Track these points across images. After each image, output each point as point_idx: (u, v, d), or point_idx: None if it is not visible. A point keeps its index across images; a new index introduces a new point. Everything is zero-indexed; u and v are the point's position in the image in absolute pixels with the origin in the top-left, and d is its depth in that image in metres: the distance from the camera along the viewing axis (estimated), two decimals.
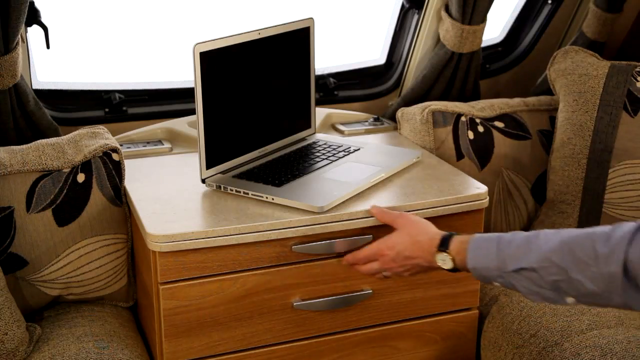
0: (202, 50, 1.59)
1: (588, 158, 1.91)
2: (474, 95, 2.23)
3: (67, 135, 1.73)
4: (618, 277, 1.17)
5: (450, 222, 1.63)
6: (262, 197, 1.60)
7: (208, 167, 1.67)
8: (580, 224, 1.90)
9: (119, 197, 1.69)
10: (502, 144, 2.00)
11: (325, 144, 1.87)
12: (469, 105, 2.03)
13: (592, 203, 1.89)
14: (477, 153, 1.97)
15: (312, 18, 1.83)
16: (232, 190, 1.63)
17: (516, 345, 1.68)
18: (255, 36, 1.70)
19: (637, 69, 1.92)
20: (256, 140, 1.78)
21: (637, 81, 1.91)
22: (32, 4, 1.78)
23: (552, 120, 2.07)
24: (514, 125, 2.04)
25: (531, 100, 2.12)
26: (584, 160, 1.91)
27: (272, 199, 1.59)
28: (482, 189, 1.69)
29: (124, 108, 2.03)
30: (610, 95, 1.91)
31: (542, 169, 2.04)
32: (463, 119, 1.98)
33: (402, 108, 2.08)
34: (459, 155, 1.96)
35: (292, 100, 1.87)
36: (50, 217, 1.63)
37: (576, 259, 1.21)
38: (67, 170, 1.65)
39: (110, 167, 1.68)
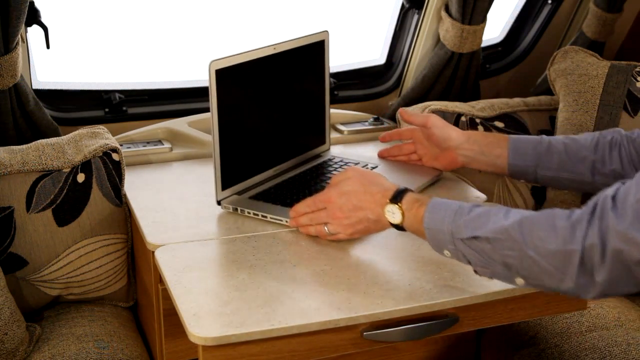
0: (217, 68, 1.52)
1: None
2: (474, 95, 2.23)
3: (67, 135, 1.73)
4: (576, 256, 1.12)
5: None
6: (281, 220, 1.53)
7: (224, 187, 1.60)
8: None
9: (119, 197, 1.69)
10: None
11: (341, 160, 1.81)
12: (469, 105, 2.03)
13: None
14: None
15: (327, 31, 1.78)
16: (249, 213, 1.57)
17: (516, 346, 1.68)
18: (271, 51, 1.64)
19: (637, 69, 1.92)
20: (271, 159, 1.72)
21: (637, 81, 1.91)
22: (32, 4, 1.78)
23: (552, 120, 2.07)
24: (514, 125, 2.04)
25: (531, 100, 2.12)
26: None
27: None
28: (482, 197, 1.69)
29: (124, 108, 2.02)
30: (610, 95, 1.91)
31: None
32: (463, 118, 1.98)
33: (402, 108, 2.07)
34: None
35: (307, 115, 1.81)
36: (50, 217, 1.63)
37: (534, 235, 1.16)
38: (67, 170, 1.65)
39: (110, 167, 1.68)
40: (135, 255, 1.74)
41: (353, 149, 1.97)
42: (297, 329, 1.23)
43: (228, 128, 1.57)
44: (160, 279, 1.47)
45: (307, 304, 1.28)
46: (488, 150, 1.62)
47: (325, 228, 1.45)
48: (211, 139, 1.92)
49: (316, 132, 1.84)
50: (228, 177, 1.60)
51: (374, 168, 1.77)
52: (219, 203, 1.59)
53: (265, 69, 1.64)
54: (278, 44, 1.65)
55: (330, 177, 1.68)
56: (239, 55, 1.57)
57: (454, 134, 1.66)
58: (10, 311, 1.51)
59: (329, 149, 1.88)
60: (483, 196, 1.70)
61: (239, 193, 1.63)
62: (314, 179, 1.71)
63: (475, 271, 1.26)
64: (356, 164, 1.78)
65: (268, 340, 1.23)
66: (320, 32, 1.77)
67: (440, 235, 1.27)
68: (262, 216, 1.55)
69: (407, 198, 1.35)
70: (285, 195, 1.62)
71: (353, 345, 1.30)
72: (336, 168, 1.77)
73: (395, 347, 1.70)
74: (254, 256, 1.42)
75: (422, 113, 1.85)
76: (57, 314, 1.69)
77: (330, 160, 1.81)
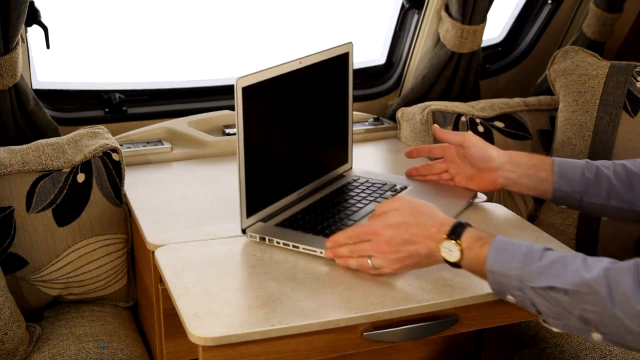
0: (245, 85, 1.39)
1: (588, 158, 1.90)
2: (474, 95, 2.23)
3: (67, 135, 1.73)
4: None
5: None
6: (315, 251, 1.40)
7: (248, 214, 1.46)
8: (580, 224, 1.90)
9: (119, 197, 1.69)
10: (502, 144, 2.00)
11: (367, 181, 1.68)
12: (469, 105, 2.04)
13: None
14: None
15: (351, 42, 1.67)
16: (279, 243, 1.43)
17: (516, 346, 1.68)
18: (297, 66, 1.53)
19: (637, 69, 1.92)
20: (295, 181, 1.59)
21: (637, 81, 1.91)
22: (32, 4, 1.78)
23: (552, 120, 2.07)
24: (514, 125, 2.04)
25: (531, 100, 2.12)
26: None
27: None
28: (481, 198, 1.69)
29: (124, 108, 2.03)
30: (610, 95, 1.91)
31: None
32: (463, 119, 1.98)
33: (402, 108, 2.08)
34: None
35: (330, 132, 1.69)
36: (50, 217, 1.63)
37: (619, 291, 1.07)
38: (67, 170, 1.65)
39: (110, 167, 1.68)
40: (135, 255, 1.74)
41: (358, 149, 1.93)
42: (297, 329, 1.23)
43: (253, 149, 1.44)
44: (160, 279, 1.47)
45: (307, 304, 1.27)
46: (532, 172, 1.52)
47: (369, 261, 1.33)
48: (211, 139, 1.94)
49: (339, 151, 1.73)
50: (252, 203, 1.47)
51: (403, 189, 1.65)
52: (243, 232, 1.47)
53: (290, 84, 1.53)
54: (303, 57, 1.55)
55: (357, 200, 1.60)
56: (265, 71, 1.45)
57: (495, 154, 1.55)
58: (10, 311, 1.51)
59: (351, 167, 1.76)
60: (483, 196, 1.69)
61: (263, 220, 1.50)
62: (340, 203, 1.58)
63: (544, 321, 1.19)
64: (383, 184, 1.67)
65: (268, 341, 1.22)
66: (345, 44, 1.66)
67: (505, 280, 1.19)
68: (294, 246, 1.42)
69: (467, 235, 1.24)
70: (314, 221, 1.49)
71: (353, 346, 1.29)
72: (363, 190, 1.65)
73: (396, 347, 1.70)
74: (254, 256, 1.42)
75: (458, 131, 1.69)
76: (57, 314, 1.69)
77: (354, 180, 1.70)
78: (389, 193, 1.62)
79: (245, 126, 1.41)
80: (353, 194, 1.63)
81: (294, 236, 1.44)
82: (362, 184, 1.68)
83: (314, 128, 1.63)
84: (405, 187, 1.66)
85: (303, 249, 1.41)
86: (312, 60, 1.57)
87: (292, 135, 1.57)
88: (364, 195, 1.62)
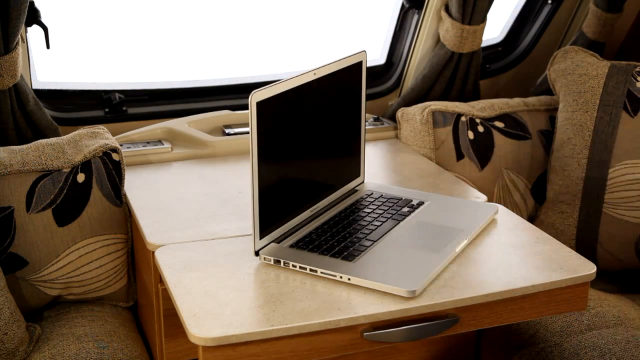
0: (259, 100, 1.33)
1: (588, 158, 1.91)
2: (474, 95, 2.23)
3: (67, 135, 1.73)
4: None
5: None
6: (334, 276, 1.33)
7: (261, 235, 1.40)
8: (580, 224, 1.90)
9: (119, 197, 1.69)
10: (502, 144, 2.01)
11: (381, 196, 1.62)
12: (469, 105, 2.04)
13: (592, 203, 1.89)
14: (477, 153, 1.97)
15: (364, 51, 1.63)
16: (295, 266, 1.36)
17: (516, 346, 1.69)
18: (311, 77, 1.47)
19: (637, 69, 1.92)
20: (308, 198, 1.52)
21: (637, 81, 1.91)
22: (32, 4, 1.78)
23: (552, 120, 2.07)
24: (514, 125, 2.04)
25: (531, 100, 2.12)
26: (584, 160, 1.91)
27: (349, 279, 1.32)
28: (482, 198, 1.69)
29: (124, 108, 2.03)
30: (610, 95, 1.91)
31: (542, 169, 2.04)
32: (463, 119, 1.98)
33: (402, 108, 2.08)
34: (459, 155, 1.96)
35: (343, 145, 1.63)
36: (50, 217, 1.63)
37: None
38: (67, 170, 1.65)
39: (110, 167, 1.68)
40: (135, 255, 1.74)
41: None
42: (297, 329, 1.23)
43: (267, 166, 1.38)
44: (160, 279, 1.47)
45: (307, 304, 1.27)
46: None
47: None
48: (211, 139, 1.94)
49: (351, 164, 1.67)
50: (265, 222, 1.40)
51: (420, 204, 1.60)
52: (257, 254, 1.40)
53: (303, 96, 1.47)
54: (318, 68, 1.49)
55: (373, 217, 1.53)
56: (279, 84, 1.39)
57: None
58: (10, 311, 1.51)
59: (363, 181, 1.70)
60: (483, 196, 1.70)
61: (276, 241, 1.43)
62: (356, 221, 1.52)
63: None
64: (399, 200, 1.61)
65: (268, 341, 1.23)
66: (359, 53, 1.61)
67: None
68: (312, 270, 1.35)
69: None
70: (333, 243, 1.43)
71: (353, 346, 1.28)
72: (378, 206, 1.58)
73: (396, 347, 1.70)
74: (254, 256, 1.42)
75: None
76: (57, 314, 1.69)
77: (368, 195, 1.63)
78: (405, 209, 1.57)
79: (260, 142, 1.35)
80: (368, 210, 1.57)
81: (310, 259, 1.37)
82: (376, 199, 1.61)
83: (327, 141, 1.57)
84: (422, 203, 1.60)
85: (321, 272, 1.35)
86: (327, 71, 1.51)
87: (305, 149, 1.51)
88: (379, 212, 1.55)
